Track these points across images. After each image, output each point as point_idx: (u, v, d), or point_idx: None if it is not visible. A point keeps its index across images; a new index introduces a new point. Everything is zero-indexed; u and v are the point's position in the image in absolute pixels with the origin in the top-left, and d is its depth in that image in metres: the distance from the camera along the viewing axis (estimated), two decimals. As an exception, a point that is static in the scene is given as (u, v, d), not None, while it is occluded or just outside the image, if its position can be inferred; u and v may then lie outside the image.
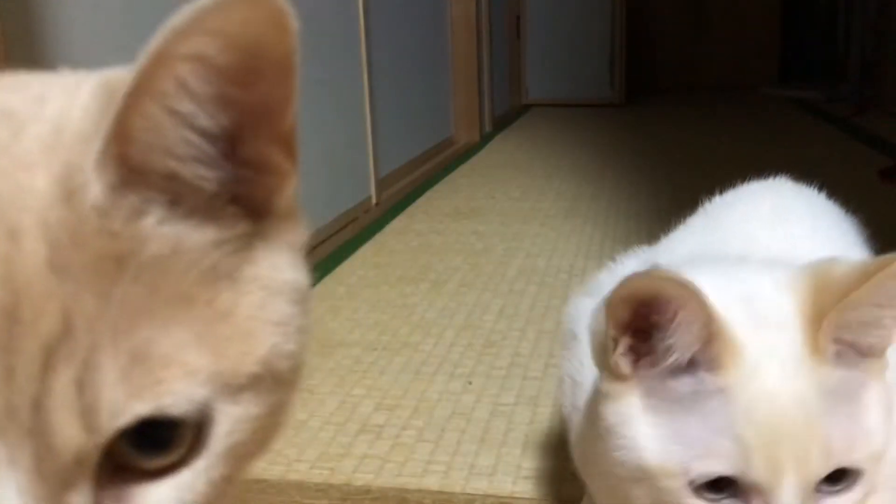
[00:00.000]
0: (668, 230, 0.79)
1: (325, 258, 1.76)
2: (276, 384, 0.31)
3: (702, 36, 5.05)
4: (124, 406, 0.28)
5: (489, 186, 2.44)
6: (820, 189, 0.79)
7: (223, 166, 0.31)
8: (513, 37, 4.15)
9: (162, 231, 0.29)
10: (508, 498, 0.91)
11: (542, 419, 1.06)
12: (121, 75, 0.30)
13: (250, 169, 0.31)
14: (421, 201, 2.26)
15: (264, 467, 0.97)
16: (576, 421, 0.68)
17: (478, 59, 3.27)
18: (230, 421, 0.30)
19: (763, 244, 0.68)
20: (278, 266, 0.32)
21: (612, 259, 0.77)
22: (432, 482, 0.94)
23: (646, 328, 0.52)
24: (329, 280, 1.62)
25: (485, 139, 3.29)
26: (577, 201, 2.23)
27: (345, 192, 2.07)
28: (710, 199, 0.77)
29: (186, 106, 0.29)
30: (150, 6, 1.18)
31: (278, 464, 0.98)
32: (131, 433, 0.28)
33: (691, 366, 0.51)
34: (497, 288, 1.56)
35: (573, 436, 0.70)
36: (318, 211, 1.90)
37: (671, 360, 0.51)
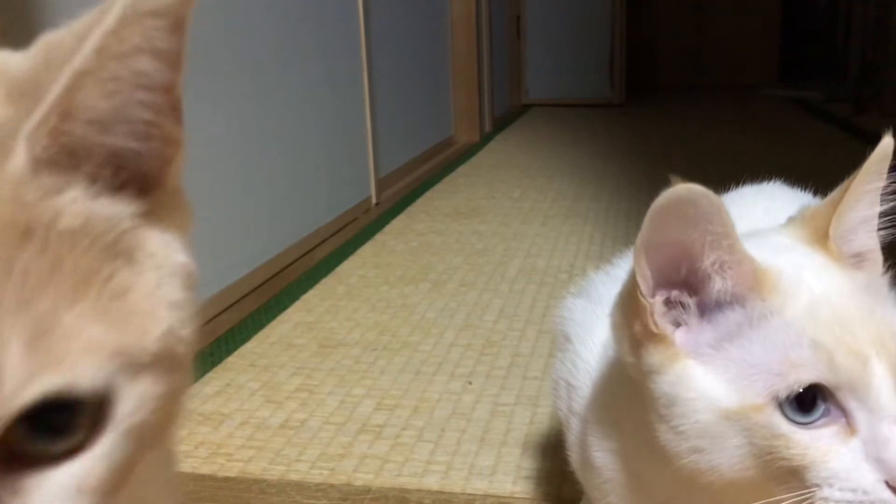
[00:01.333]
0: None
1: (325, 258, 1.77)
2: (173, 368, 0.30)
3: (702, 36, 5.05)
4: (29, 381, 0.26)
5: (489, 186, 2.44)
6: (817, 191, 0.79)
7: (152, 134, 0.30)
8: (513, 37, 4.15)
9: (77, 206, 0.28)
10: (508, 498, 0.91)
11: (542, 419, 1.07)
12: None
13: (149, 138, 0.31)
14: (421, 201, 2.26)
15: (264, 467, 0.97)
16: (574, 426, 0.68)
17: (478, 59, 3.27)
18: (133, 399, 0.29)
19: None
20: (172, 247, 0.32)
21: (610, 262, 0.77)
22: (432, 482, 0.94)
23: (674, 281, 0.53)
24: (329, 280, 1.62)
25: (485, 139, 3.29)
26: (577, 201, 2.23)
27: (345, 192, 2.07)
28: None
29: (149, 64, 0.28)
30: None
31: (278, 464, 0.98)
32: (30, 415, 0.26)
33: (735, 300, 0.52)
34: (497, 288, 1.57)
35: (571, 439, 0.70)
36: (318, 211, 1.90)
37: (714, 288, 0.51)
